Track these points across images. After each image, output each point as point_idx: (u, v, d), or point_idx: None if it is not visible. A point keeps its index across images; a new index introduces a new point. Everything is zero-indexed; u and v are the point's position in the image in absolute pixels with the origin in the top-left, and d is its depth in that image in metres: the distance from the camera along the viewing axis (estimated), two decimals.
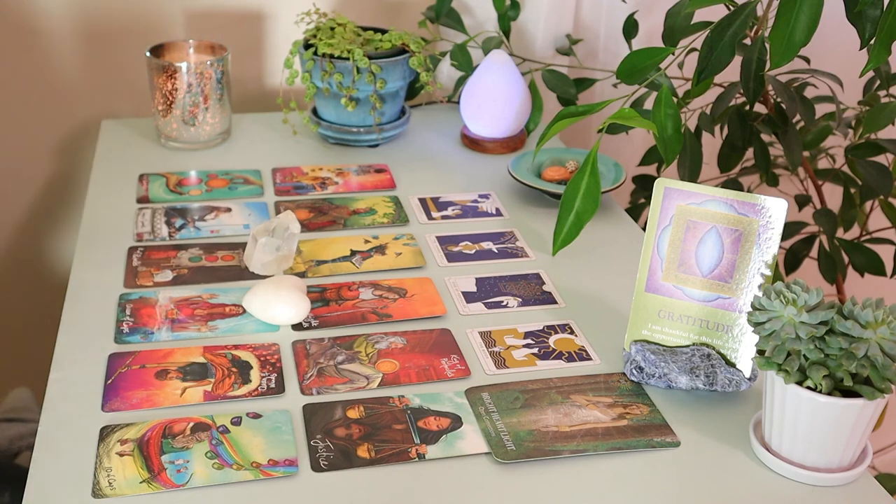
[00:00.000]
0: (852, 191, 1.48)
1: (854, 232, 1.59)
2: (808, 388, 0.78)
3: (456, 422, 0.87)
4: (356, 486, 0.80)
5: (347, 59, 1.33)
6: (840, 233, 1.59)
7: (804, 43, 1.04)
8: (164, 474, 0.80)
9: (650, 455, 0.85)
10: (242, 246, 1.13)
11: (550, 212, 1.25)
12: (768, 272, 0.88)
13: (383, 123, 1.40)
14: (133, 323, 0.99)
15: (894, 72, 1.36)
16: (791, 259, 1.52)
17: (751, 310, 0.82)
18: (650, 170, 1.60)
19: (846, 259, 1.48)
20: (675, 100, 1.23)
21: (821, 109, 1.44)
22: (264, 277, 1.05)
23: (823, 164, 1.63)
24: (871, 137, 1.37)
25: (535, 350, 0.98)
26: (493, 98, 1.38)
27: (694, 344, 0.93)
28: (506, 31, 1.49)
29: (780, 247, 1.13)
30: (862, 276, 1.46)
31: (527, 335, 1.00)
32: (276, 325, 1.00)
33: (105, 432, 0.84)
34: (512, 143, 1.43)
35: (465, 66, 1.46)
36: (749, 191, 1.67)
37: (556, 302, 1.06)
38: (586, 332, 1.01)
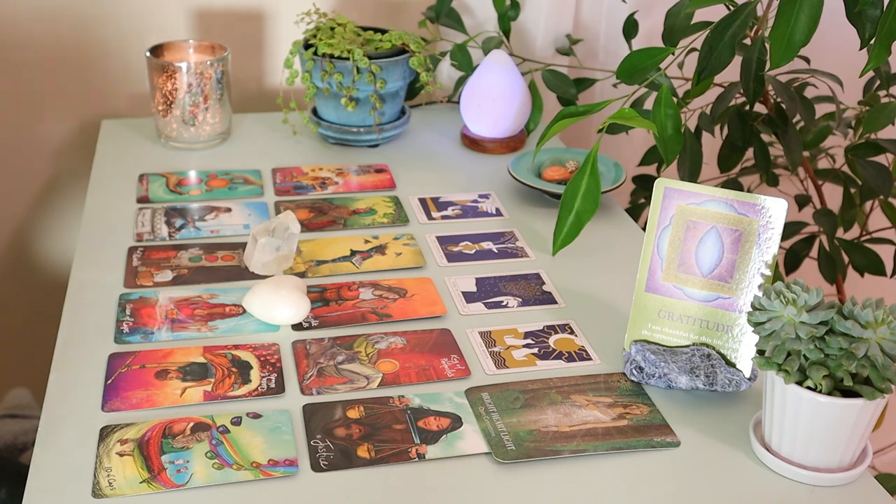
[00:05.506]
0: (852, 191, 1.48)
1: (854, 232, 1.59)
2: (808, 388, 0.78)
3: (456, 422, 0.87)
4: (356, 486, 0.80)
5: (347, 59, 1.33)
6: (840, 233, 1.59)
7: (804, 43, 1.04)
8: (164, 474, 0.80)
9: (650, 455, 0.85)
10: (242, 246, 1.13)
11: (550, 212, 1.25)
12: (768, 272, 0.88)
13: (383, 123, 1.40)
14: (133, 323, 0.99)
15: (894, 72, 1.36)
16: (791, 259, 1.52)
17: (751, 310, 0.82)
18: (650, 170, 1.60)
19: (846, 259, 1.48)
20: (675, 100, 1.23)
21: (821, 109, 1.44)
22: (264, 277, 1.05)
23: (823, 164, 1.63)
24: (871, 137, 1.37)
25: (535, 350, 0.98)
26: (493, 98, 1.38)
27: (694, 344, 0.93)
28: (506, 31, 1.49)
29: (780, 247, 1.13)
30: (862, 276, 1.46)
31: (527, 335, 1.00)
32: (276, 325, 1.00)
33: (105, 432, 0.84)
34: (512, 143, 1.43)
35: (465, 66, 1.46)
36: (749, 191, 1.67)
37: (556, 302, 1.06)
38: (586, 332, 1.01)
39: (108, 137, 1.42)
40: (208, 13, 1.54)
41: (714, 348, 0.92)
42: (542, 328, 1.02)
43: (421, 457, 0.83)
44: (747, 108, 1.34)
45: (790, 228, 1.52)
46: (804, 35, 1.03)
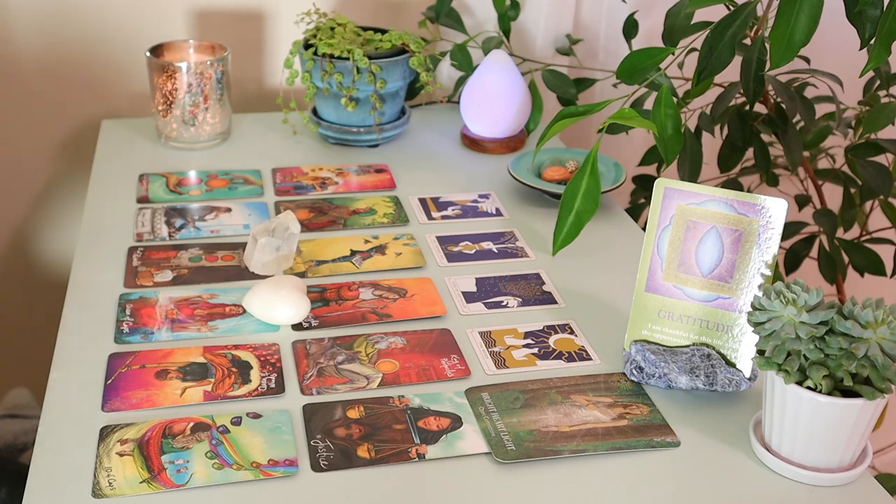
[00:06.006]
0: (852, 191, 1.48)
1: (854, 232, 1.59)
2: (808, 388, 0.78)
3: (456, 422, 0.87)
4: (356, 486, 0.80)
5: (347, 59, 1.33)
6: (840, 233, 1.59)
7: (804, 43, 1.04)
8: (164, 474, 0.80)
9: (650, 455, 0.85)
10: (242, 246, 1.13)
11: (550, 212, 1.25)
12: (768, 272, 0.88)
13: (383, 123, 1.40)
14: (133, 323, 0.99)
15: (894, 72, 1.36)
16: (791, 259, 1.52)
17: (751, 310, 0.82)
18: (650, 170, 1.60)
19: (846, 259, 1.48)
20: (675, 100, 1.23)
21: (821, 109, 1.44)
22: (264, 277, 1.05)
23: (823, 164, 1.63)
24: (871, 137, 1.37)
25: (535, 350, 0.98)
26: (493, 98, 1.38)
27: (694, 344, 0.93)
28: (506, 31, 1.49)
29: (780, 247, 1.13)
30: (862, 276, 1.46)
31: (527, 335, 1.00)
32: (276, 325, 1.00)
33: (105, 432, 0.84)
34: (512, 143, 1.43)
35: (465, 66, 1.46)
36: (749, 191, 1.67)
37: (556, 302, 1.06)
38: (586, 332, 1.01)
39: (108, 137, 1.42)
40: (208, 13, 1.54)
41: (714, 348, 0.92)
42: (542, 328, 1.02)
43: (421, 457, 0.83)
44: (747, 108, 1.34)
45: (790, 228, 1.52)
46: (804, 35, 1.03)
